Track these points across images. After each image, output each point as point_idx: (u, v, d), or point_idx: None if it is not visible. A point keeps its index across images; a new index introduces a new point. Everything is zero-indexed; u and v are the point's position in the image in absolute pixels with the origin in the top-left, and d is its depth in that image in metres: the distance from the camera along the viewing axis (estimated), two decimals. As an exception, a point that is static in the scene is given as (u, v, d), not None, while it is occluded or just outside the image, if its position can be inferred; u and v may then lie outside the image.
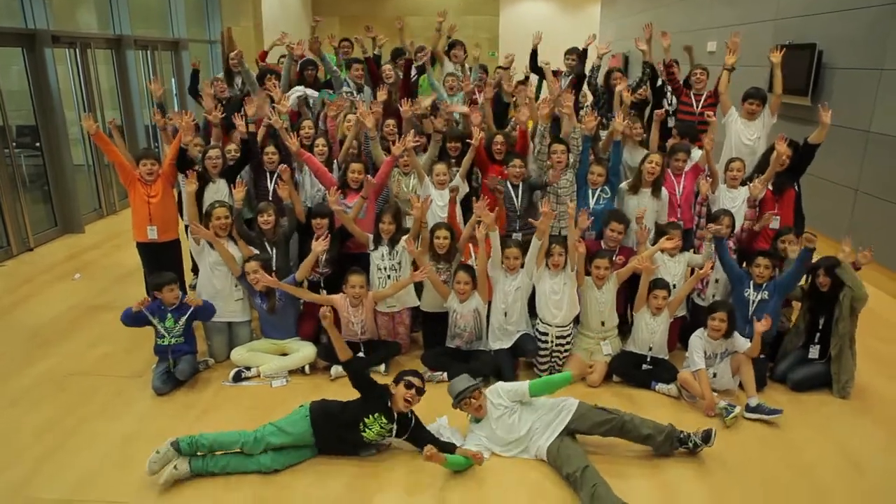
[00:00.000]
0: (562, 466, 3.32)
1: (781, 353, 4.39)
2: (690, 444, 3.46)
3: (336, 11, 17.52)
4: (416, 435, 3.43)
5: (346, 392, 4.11)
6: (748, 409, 3.89)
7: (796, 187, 4.90)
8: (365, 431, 3.36)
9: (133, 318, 4.15)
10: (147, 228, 4.74)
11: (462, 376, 3.60)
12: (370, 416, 3.35)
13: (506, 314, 4.34)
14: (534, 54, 6.48)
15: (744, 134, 5.21)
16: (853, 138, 6.43)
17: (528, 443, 3.50)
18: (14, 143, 7.16)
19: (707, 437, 3.45)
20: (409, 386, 3.34)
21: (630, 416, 3.50)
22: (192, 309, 4.27)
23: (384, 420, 3.37)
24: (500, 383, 3.68)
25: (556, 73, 6.68)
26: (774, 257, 4.35)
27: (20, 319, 5.33)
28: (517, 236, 4.73)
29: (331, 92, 6.16)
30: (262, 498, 3.22)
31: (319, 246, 4.36)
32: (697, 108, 5.69)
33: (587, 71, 6.29)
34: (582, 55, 6.34)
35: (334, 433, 3.39)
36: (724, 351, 4.12)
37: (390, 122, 5.43)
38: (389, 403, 3.37)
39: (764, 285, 4.28)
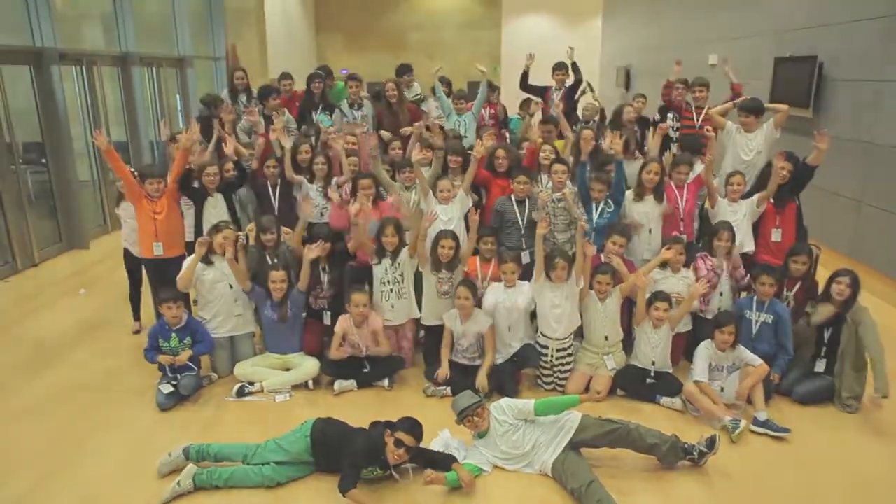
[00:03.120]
0: (567, 481, 3.30)
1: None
2: (695, 454, 3.44)
3: (339, 26, 17.68)
4: (415, 457, 3.41)
5: (349, 408, 4.11)
6: (756, 422, 3.87)
7: (797, 201, 4.90)
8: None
9: (151, 355, 4.26)
10: (153, 245, 4.76)
11: (465, 393, 3.61)
12: (366, 468, 3.33)
13: (510, 329, 4.36)
14: (525, 76, 6.65)
15: (743, 148, 5.18)
16: (855, 150, 6.44)
17: (532, 458, 3.49)
18: (20, 160, 7.22)
19: (711, 443, 3.44)
20: (398, 444, 3.25)
21: (635, 425, 3.49)
22: (194, 329, 4.35)
23: (379, 471, 3.38)
24: (506, 399, 3.67)
25: (546, 89, 6.80)
26: (780, 274, 4.34)
27: (25, 334, 5.35)
28: (524, 254, 4.73)
29: (328, 116, 6.19)
30: (266, 514, 3.22)
31: (312, 253, 4.37)
32: (698, 121, 5.74)
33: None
34: (573, 66, 6.46)
35: (333, 460, 3.37)
36: (731, 364, 4.11)
37: (396, 143, 5.47)
38: (383, 455, 3.31)
39: (766, 306, 4.27)
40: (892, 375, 4.51)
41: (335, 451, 3.35)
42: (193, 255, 4.42)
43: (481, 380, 4.20)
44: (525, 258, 4.71)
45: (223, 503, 3.28)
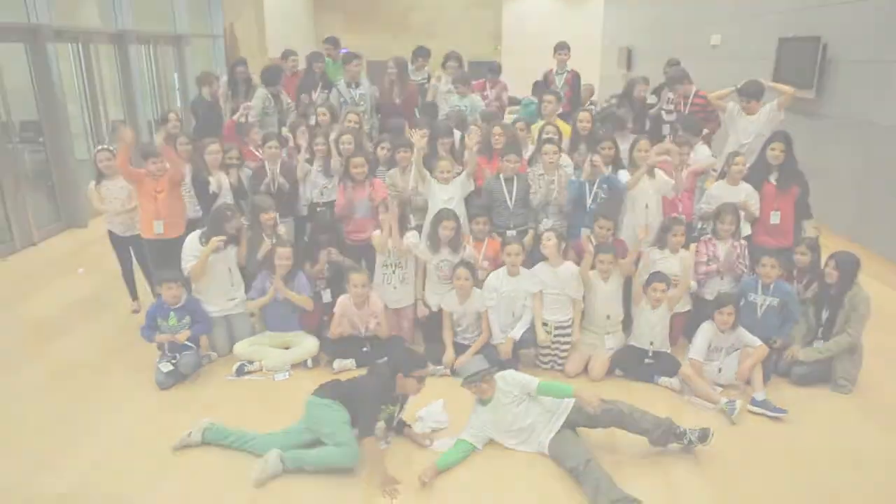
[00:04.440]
0: (565, 460, 3.33)
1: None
2: (685, 441, 3.43)
3: (338, 6, 17.49)
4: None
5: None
6: (754, 402, 3.88)
7: (799, 187, 4.83)
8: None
9: (148, 333, 4.25)
10: (154, 223, 4.73)
11: (477, 357, 3.70)
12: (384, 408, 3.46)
13: (513, 314, 4.37)
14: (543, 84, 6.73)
15: (744, 131, 5.16)
16: (859, 131, 6.40)
17: (529, 434, 3.51)
18: (17, 138, 7.17)
19: (704, 437, 3.40)
20: (420, 381, 3.45)
21: (630, 408, 3.48)
22: (193, 309, 4.35)
23: (391, 407, 3.49)
24: (512, 371, 3.68)
25: (547, 72, 6.78)
26: (782, 257, 4.33)
27: (24, 313, 5.35)
28: (511, 233, 4.71)
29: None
30: (262, 500, 3.21)
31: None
32: (684, 109, 5.73)
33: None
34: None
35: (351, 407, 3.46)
36: (730, 345, 4.13)
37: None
38: (394, 392, 3.46)
39: (771, 289, 4.26)
40: (889, 357, 4.55)
41: (349, 395, 3.44)
42: (204, 249, 4.36)
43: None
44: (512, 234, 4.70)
45: (222, 490, 3.30)
